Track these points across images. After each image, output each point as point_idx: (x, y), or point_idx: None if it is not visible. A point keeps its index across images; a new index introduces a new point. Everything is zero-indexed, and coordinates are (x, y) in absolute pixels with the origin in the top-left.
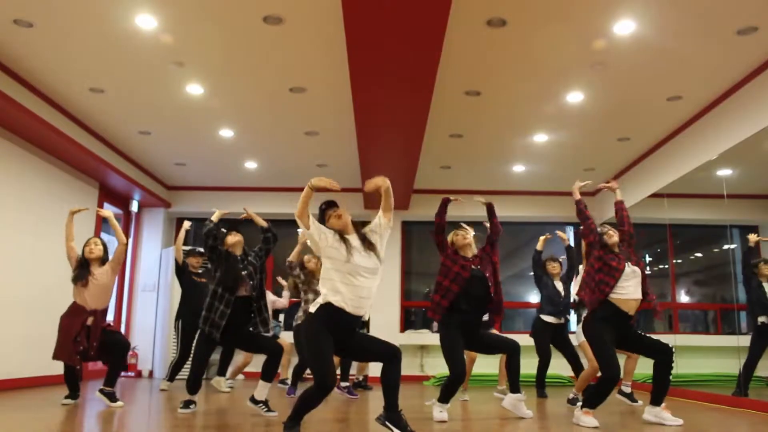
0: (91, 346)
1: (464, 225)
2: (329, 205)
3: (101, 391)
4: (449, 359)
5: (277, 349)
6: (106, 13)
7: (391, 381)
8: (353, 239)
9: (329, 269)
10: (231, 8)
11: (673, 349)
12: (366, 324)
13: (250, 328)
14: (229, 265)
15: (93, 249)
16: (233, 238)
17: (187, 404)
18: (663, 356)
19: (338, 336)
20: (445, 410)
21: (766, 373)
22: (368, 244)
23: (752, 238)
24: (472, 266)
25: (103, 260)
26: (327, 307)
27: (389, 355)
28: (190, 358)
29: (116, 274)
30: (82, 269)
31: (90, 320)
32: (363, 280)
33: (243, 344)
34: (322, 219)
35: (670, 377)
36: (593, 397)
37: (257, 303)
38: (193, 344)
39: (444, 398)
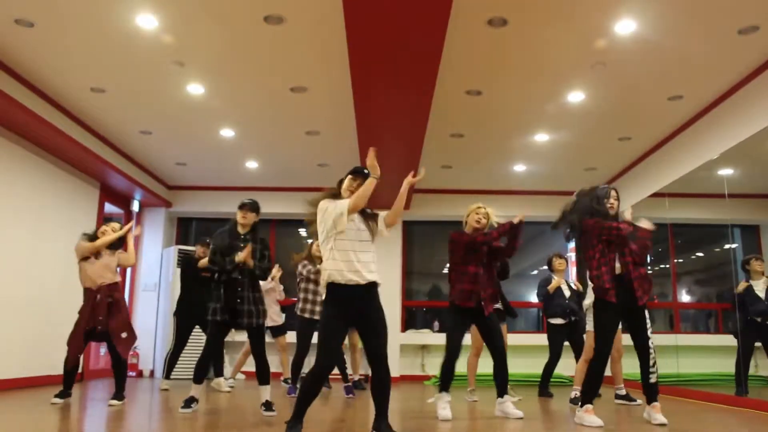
0: (99, 320)
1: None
2: (358, 175)
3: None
4: (447, 338)
5: (260, 346)
6: (107, 12)
7: (375, 386)
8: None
9: (325, 245)
10: (232, 8)
11: (652, 352)
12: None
13: (240, 319)
14: (229, 241)
15: (105, 230)
16: (252, 216)
17: (188, 403)
18: (641, 356)
19: (353, 312)
20: (448, 406)
21: (766, 373)
22: (366, 216)
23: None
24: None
25: (113, 245)
26: (329, 287)
27: (373, 355)
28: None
29: (115, 266)
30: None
31: (98, 297)
32: (352, 246)
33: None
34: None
35: (651, 378)
36: (588, 389)
37: (242, 290)
38: (188, 337)
39: (443, 385)
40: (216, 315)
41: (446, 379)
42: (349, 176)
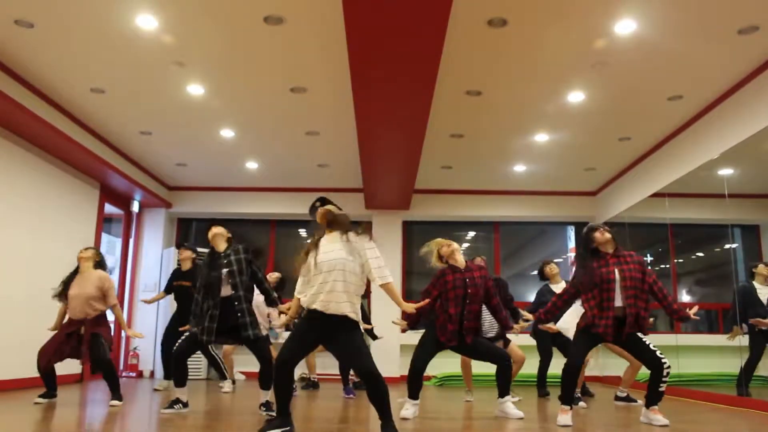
0: (81, 353)
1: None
2: (322, 203)
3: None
4: (415, 354)
5: (264, 355)
6: (107, 13)
7: (370, 398)
8: (326, 240)
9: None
10: (232, 8)
11: (666, 364)
12: (371, 331)
13: (240, 331)
14: (209, 266)
15: (83, 252)
16: (211, 232)
17: (171, 404)
18: (654, 369)
19: (322, 335)
20: (412, 408)
21: (766, 373)
22: (345, 241)
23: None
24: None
25: (96, 263)
26: (306, 311)
27: (362, 375)
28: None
29: (103, 299)
30: (64, 286)
31: (82, 329)
32: (325, 275)
33: (231, 342)
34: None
35: (661, 387)
36: (564, 393)
37: (239, 303)
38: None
39: (410, 394)
40: (206, 336)
41: (413, 389)
42: (319, 206)
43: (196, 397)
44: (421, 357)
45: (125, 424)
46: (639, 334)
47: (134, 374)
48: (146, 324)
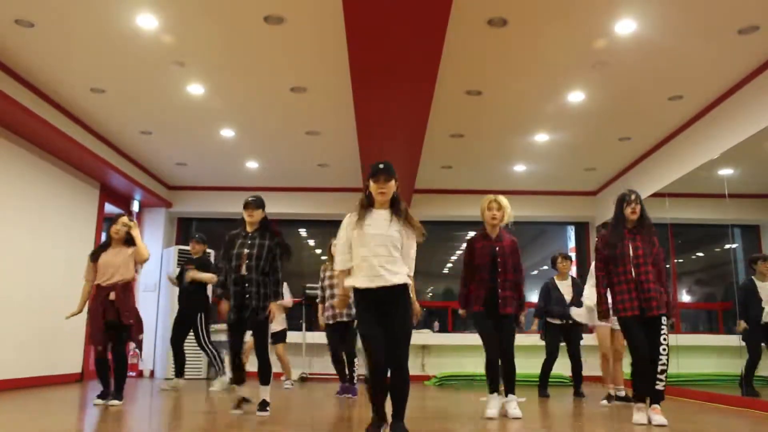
0: (111, 314)
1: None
2: (378, 172)
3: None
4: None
5: (261, 349)
6: (107, 12)
7: (390, 391)
8: (378, 212)
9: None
10: (232, 8)
11: (661, 361)
12: None
13: (243, 311)
14: (231, 242)
15: (119, 230)
16: (248, 212)
17: (237, 404)
18: (652, 361)
19: (378, 311)
20: (496, 407)
21: (766, 373)
22: (395, 216)
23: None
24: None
25: (125, 240)
26: (355, 291)
27: (390, 360)
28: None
29: (133, 264)
30: (100, 248)
31: (112, 295)
32: (373, 248)
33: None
34: (367, 181)
35: (658, 385)
36: (637, 384)
37: (250, 286)
38: (181, 335)
39: (489, 387)
40: (231, 314)
41: (490, 381)
42: (371, 180)
43: (196, 396)
44: (489, 346)
45: (125, 425)
46: (663, 319)
47: (134, 374)
48: (146, 323)
